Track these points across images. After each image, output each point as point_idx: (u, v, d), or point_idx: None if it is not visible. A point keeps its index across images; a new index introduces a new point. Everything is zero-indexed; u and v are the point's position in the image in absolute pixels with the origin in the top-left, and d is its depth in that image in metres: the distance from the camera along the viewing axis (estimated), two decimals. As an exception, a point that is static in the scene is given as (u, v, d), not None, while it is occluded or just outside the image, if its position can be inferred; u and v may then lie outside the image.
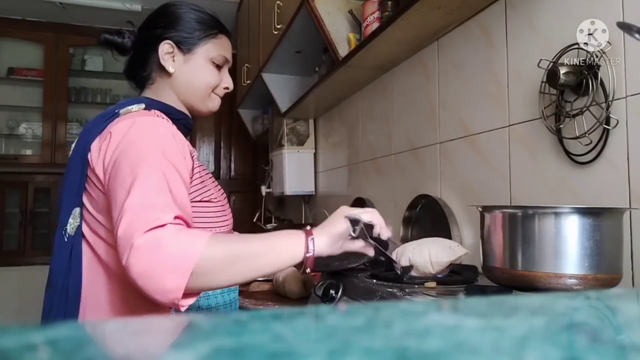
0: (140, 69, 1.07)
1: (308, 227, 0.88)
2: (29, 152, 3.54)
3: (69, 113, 3.58)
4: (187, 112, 1.07)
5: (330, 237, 0.87)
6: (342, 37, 1.76)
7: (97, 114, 1.04)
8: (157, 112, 0.97)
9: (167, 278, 0.73)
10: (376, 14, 1.55)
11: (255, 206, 3.73)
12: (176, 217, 0.78)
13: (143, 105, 0.97)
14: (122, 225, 0.76)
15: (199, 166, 1.00)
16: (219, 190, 1.07)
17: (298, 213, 3.09)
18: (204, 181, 1.00)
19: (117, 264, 0.85)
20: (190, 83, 1.05)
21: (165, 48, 1.03)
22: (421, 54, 1.64)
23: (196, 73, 1.05)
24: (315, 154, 2.81)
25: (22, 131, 3.54)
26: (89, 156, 0.90)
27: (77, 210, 0.92)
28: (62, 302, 0.90)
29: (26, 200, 3.55)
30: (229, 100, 3.85)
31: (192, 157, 0.95)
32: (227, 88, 1.10)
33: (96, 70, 3.69)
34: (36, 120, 3.56)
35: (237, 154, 4.10)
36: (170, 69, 1.03)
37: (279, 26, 2.20)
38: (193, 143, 3.92)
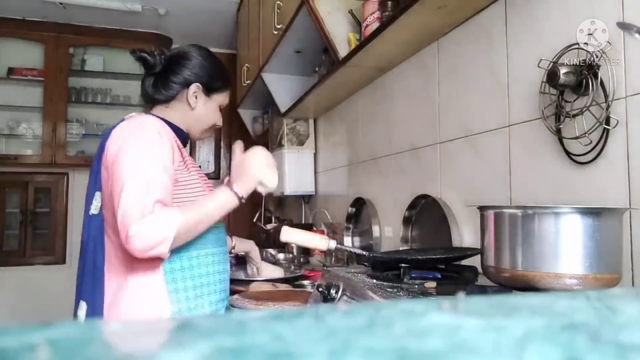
0: (162, 93, 1.29)
1: (225, 182, 1.22)
2: (29, 152, 3.54)
3: (69, 113, 3.58)
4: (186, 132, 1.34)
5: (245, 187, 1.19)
6: (342, 37, 1.76)
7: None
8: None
9: (159, 247, 1.04)
10: (376, 14, 1.55)
11: (255, 206, 3.73)
12: (157, 201, 1.06)
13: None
14: (121, 210, 1.04)
15: (193, 166, 1.25)
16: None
17: (298, 213, 3.09)
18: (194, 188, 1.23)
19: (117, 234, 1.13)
20: (202, 120, 1.33)
21: (194, 88, 1.29)
22: (421, 54, 1.64)
23: (209, 114, 1.33)
24: (315, 154, 2.81)
25: (22, 131, 3.53)
26: (104, 152, 1.16)
27: (98, 193, 1.18)
28: (91, 270, 1.16)
29: (26, 200, 3.55)
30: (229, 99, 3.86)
31: (181, 154, 1.22)
32: (218, 126, 1.39)
33: (96, 70, 3.69)
34: (36, 120, 3.55)
35: (237, 154, 4.09)
36: (193, 106, 1.29)
37: (279, 26, 2.20)
38: (193, 143, 3.92)
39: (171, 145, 1.17)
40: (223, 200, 1.16)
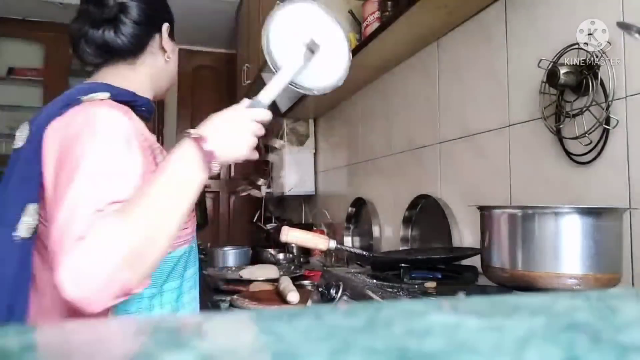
0: (132, 42, 0.91)
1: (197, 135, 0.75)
2: (29, 152, 3.53)
3: (69, 113, 3.57)
4: (150, 97, 0.97)
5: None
6: (342, 37, 1.76)
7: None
8: (123, 106, 0.85)
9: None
10: (376, 14, 1.55)
11: (255, 206, 3.73)
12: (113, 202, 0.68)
13: (108, 95, 0.84)
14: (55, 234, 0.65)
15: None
16: None
17: (298, 213, 3.09)
18: None
19: None
20: (173, 71, 1.02)
21: (166, 29, 0.97)
22: (421, 54, 1.64)
23: (176, 61, 1.02)
24: (315, 154, 2.81)
25: (22, 131, 3.53)
26: (43, 144, 0.77)
27: (31, 206, 0.75)
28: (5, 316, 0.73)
29: (26, 200, 3.54)
30: (229, 100, 3.85)
31: (152, 153, 0.86)
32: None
33: (96, 70, 3.69)
34: (36, 120, 3.55)
35: (237, 154, 4.09)
36: (169, 52, 0.98)
37: (279, 26, 2.20)
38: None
39: (142, 151, 0.80)
40: (183, 179, 0.72)
